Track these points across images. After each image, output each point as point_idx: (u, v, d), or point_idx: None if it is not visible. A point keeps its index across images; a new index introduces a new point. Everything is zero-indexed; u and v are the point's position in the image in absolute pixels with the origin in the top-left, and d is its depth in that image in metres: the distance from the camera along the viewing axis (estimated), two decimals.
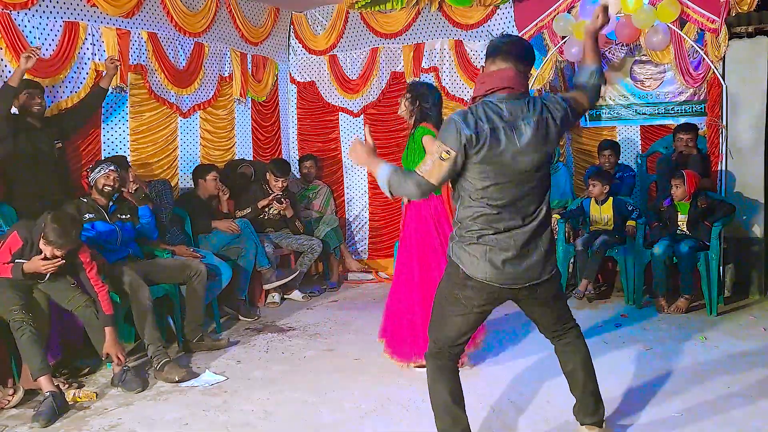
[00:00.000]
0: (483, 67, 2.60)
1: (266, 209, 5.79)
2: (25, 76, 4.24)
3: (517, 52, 2.49)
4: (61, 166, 4.47)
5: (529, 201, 2.50)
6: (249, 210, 5.68)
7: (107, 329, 3.67)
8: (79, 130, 4.79)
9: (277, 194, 5.75)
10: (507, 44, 2.51)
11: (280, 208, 5.77)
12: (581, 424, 2.87)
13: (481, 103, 2.46)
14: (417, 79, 5.82)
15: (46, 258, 3.52)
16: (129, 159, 5.19)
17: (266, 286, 5.52)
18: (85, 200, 4.25)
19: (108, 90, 4.79)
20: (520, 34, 5.84)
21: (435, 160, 2.38)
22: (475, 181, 2.43)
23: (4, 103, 4.05)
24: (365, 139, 2.63)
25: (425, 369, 2.71)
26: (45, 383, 3.39)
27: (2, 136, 4.12)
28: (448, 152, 2.37)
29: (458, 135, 2.36)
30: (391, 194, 2.50)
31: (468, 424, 2.66)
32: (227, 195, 5.49)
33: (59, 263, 3.53)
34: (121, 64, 4.90)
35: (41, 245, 3.53)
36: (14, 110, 4.25)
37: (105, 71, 4.78)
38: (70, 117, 4.65)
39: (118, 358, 3.68)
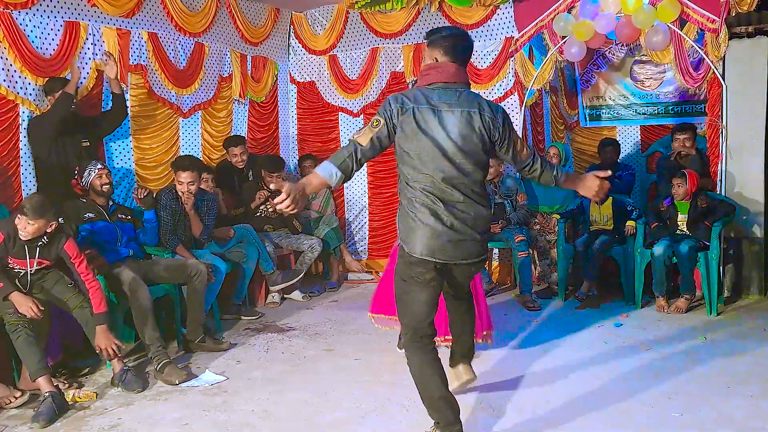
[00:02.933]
0: (435, 59, 2.75)
1: (261, 207, 5.78)
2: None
3: (462, 49, 2.76)
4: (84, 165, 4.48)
5: (454, 184, 2.67)
6: (242, 210, 5.68)
7: (98, 327, 3.64)
8: (107, 134, 4.95)
9: (267, 190, 5.70)
10: (451, 40, 2.74)
11: (275, 205, 5.75)
12: (458, 364, 3.30)
13: (415, 88, 2.76)
14: None
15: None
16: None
17: (273, 288, 5.52)
18: (84, 200, 4.25)
19: (124, 92, 4.87)
20: (520, 34, 5.85)
21: (368, 127, 2.67)
22: (403, 155, 2.69)
23: (62, 109, 4.32)
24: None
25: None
26: (44, 384, 3.39)
27: (51, 136, 4.35)
28: (377, 120, 2.65)
29: (386, 107, 2.67)
30: (340, 172, 2.62)
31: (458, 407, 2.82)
32: (219, 194, 5.47)
33: (38, 315, 3.48)
34: (119, 63, 4.88)
35: (16, 220, 3.48)
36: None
37: (105, 75, 4.77)
38: (100, 121, 4.81)
39: (112, 350, 3.65)
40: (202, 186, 5.26)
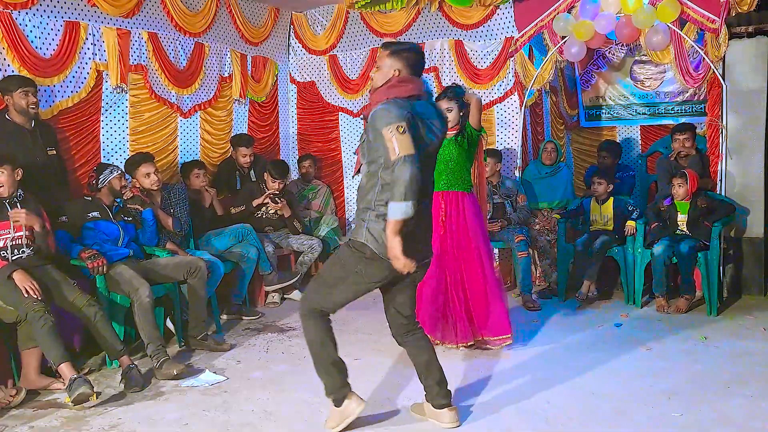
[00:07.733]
0: (398, 70, 2.85)
1: (262, 209, 5.78)
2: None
3: (422, 66, 2.97)
4: (57, 173, 4.40)
5: (429, 183, 2.94)
6: (243, 207, 5.68)
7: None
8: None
9: (271, 192, 5.72)
10: (415, 56, 2.91)
11: (276, 208, 5.76)
12: (440, 407, 3.09)
13: (396, 99, 2.78)
14: (455, 84, 5.43)
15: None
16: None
17: (268, 288, 5.52)
18: (89, 199, 4.28)
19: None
20: (520, 34, 5.85)
21: (397, 137, 2.64)
22: None
23: None
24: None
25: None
26: (67, 370, 3.43)
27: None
28: (401, 125, 2.65)
29: (398, 112, 2.68)
30: (410, 200, 2.64)
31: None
32: (213, 192, 5.46)
33: (37, 296, 3.51)
34: (120, 63, 4.89)
35: None
36: None
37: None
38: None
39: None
40: (196, 181, 5.28)
